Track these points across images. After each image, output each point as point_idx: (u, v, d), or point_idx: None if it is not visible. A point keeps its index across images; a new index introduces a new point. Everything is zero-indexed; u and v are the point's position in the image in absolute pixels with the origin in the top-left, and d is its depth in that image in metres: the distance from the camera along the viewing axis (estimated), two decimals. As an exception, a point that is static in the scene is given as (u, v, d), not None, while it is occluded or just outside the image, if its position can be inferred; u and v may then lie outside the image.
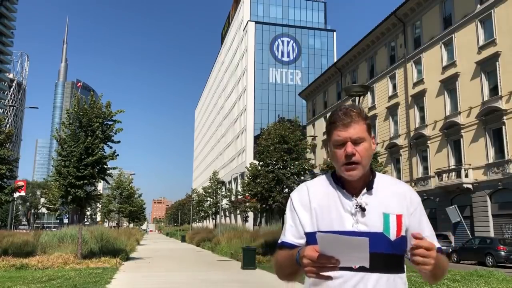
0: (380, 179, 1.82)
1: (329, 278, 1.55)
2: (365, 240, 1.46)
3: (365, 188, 1.77)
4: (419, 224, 1.77)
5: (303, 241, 1.78)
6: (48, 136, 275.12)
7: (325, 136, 1.85)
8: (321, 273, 1.53)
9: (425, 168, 35.87)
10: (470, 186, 30.54)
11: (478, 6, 31.12)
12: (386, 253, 1.68)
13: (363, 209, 1.71)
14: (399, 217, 1.73)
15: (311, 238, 1.74)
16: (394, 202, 1.75)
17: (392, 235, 1.70)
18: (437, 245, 1.70)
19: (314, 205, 1.77)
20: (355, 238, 1.47)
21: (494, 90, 29.54)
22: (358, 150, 1.71)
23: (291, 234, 1.81)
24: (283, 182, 25.72)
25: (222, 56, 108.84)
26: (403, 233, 1.73)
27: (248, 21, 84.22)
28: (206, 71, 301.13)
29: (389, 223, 1.71)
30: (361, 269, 1.64)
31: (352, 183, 1.77)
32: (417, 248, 1.54)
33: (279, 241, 1.86)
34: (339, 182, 1.79)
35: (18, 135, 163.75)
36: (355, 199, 1.74)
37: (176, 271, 16.90)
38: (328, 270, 1.52)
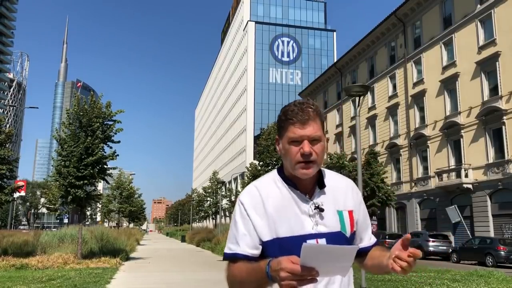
0: (328, 175, 1.77)
1: None
2: (354, 249, 1.37)
3: (317, 187, 1.71)
4: (364, 219, 1.80)
5: (257, 251, 1.64)
6: (48, 136, 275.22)
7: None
8: (299, 285, 1.37)
9: (425, 168, 35.87)
10: (470, 186, 30.54)
11: (478, 6, 31.12)
12: None
13: (321, 210, 1.66)
14: (350, 213, 1.72)
15: (269, 247, 1.63)
16: (343, 198, 1.73)
17: (348, 232, 1.69)
18: (374, 239, 1.76)
19: (269, 210, 1.65)
20: (345, 248, 1.38)
21: (494, 90, 29.53)
22: (314, 149, 1.63)
23: (245, 244, 1.63)
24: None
25: (222, 56, 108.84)
26: (355, 228, 1.73)
27: (248, 21, 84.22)
28: (206, 71, 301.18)
29: (344, 220, 1.69)
30: None
31: (303, 182, 1.69)
32: (407, 257, 1.47)
33: (230, 252, 1.67)
34: (290, 181, 1.70)
35: (18, 135, 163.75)
36: (311, 200, 1.68)
37: (176, 271, 16.90)
38: (307, 282, 1.38)
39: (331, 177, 1.77)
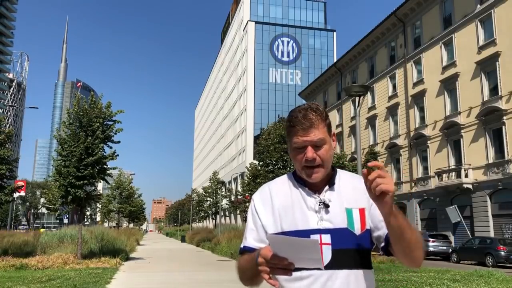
0: (342, 175, 1.81)
1: (289, 273, 1.48)
2: (315, 242, 1.44)
3: (327, 185, 1.75)
4: (379, 214, 1.66)
5: (263, 245, 1.72)
6: (48, 136, 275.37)
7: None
8: (274, 273, 1.48)
9: (425, 168, 35.86)
10: (470, 186, 30.53)
11: (478, 6, 31.11)
12: (353, 249, 1.68)
13: (326, 206, 1.70)
14: (362, 211, 1.72)
15: None
16: (356, 197, 1.73)
17: (357, 230, 1.69)
18: None
19: (277, 206, 1.75)
20: (305, 240, 1.45)
21: (494, 90, 29.53)
22: (319, 154, 1.68)
23: (252, 238, 1.76)
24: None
25: (222, 56, 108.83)
26: (367, 227, 1.71)
27: (248, 21, 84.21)
28: (206, 71, 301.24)
29: (352, 218, 1.70)
30: (329, 266, 1.63)
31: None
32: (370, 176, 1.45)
33: (241, 246, 1.81)
34: (300, 180, 1.77)
35: (18, 135, 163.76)
36: (318, 196, 1.73)
37: (176, 271, 16.89)
38: (281, 272, 1.47)
39: (345, 177, 1.81)
